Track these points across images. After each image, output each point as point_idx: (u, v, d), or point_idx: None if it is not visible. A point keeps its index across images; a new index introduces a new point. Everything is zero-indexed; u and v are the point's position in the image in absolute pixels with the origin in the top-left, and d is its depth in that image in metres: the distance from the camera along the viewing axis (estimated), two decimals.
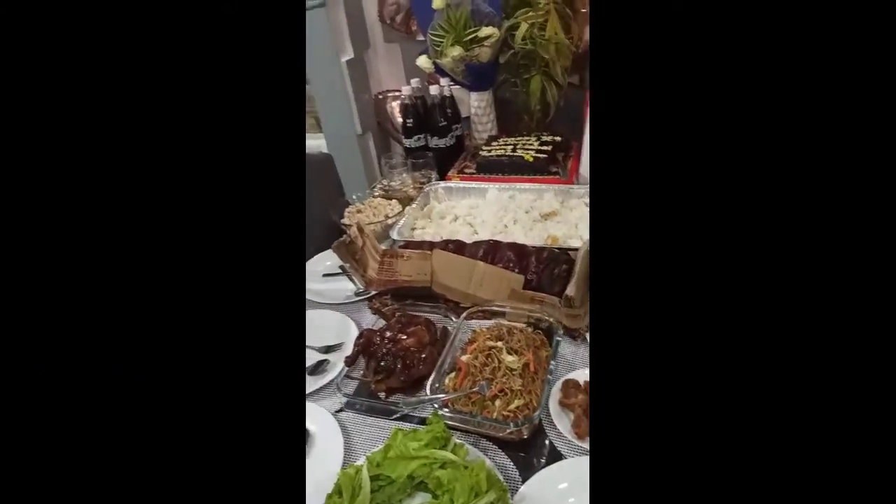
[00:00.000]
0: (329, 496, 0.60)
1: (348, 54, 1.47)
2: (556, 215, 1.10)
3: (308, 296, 1.02)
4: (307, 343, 0.89)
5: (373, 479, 0.61)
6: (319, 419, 0.73)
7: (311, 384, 0.80)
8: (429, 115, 1.35)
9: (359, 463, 0.64)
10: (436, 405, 0.70)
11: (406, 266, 0.93)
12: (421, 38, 1.44)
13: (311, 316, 0.98)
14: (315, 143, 1.67)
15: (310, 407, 0.76)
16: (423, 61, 1.31)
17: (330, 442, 0.70)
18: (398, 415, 0.74)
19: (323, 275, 1.09)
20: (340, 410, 0.76)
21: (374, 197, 1.25)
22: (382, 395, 0.77)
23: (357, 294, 1.00)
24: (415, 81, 1.35)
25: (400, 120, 1.55)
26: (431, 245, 0.98)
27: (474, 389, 0.71)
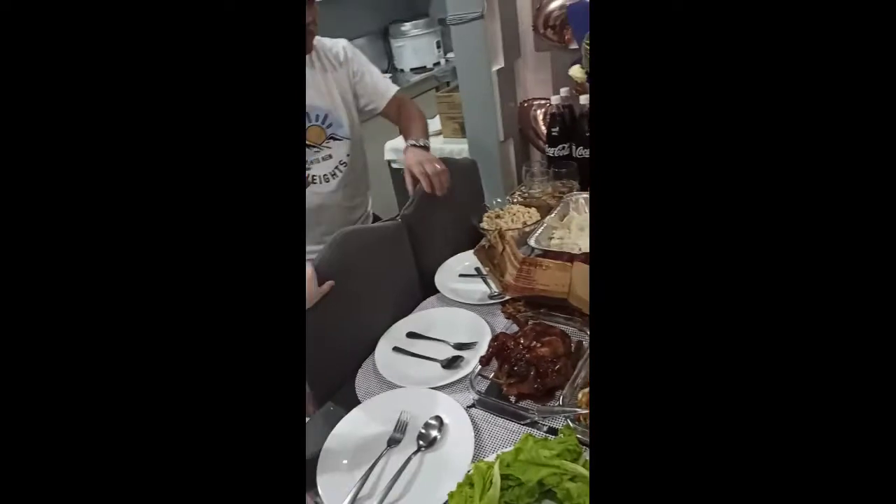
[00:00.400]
0: (460, 485, 0.64)
1: (499, 63, 1.51)
2: None
3: (446, 293, 1.08)
4: (442, 337, 0.95)
5: (502, 477, 0.63)
6: (452, 411, 0.78)
7: (446, 377, 0.85)
8: (576, 125, 1.33)
9: (488, 459, 0.67)
10: (568, 418, 0.70)
11: (544, 276, 0.94)
12: (574, 47, 1.43)
13: (446, 313, 1.04)
14: (458, 147, 1.75)
15: (444, 398, 0.81)
16: (575, 71, 1.30)
17: (461, 435, 0.74)
18: (528, 420, 0.75)
19: (459, 275, 1.14)
20: (472, 406, 0.80)
21: (512, 203, 1.28)
22: (513, 398, 0.79)
23: (491, 297, 1.04)
24: (564, 90, 1.35)
25: (544, 128, 1.56)
26: (571, 257, 0.97)
27: None
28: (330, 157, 1.18)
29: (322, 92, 1.16)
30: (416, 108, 1.31)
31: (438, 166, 1.10)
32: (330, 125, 1.17)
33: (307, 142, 1.15)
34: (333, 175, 1.19)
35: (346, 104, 1.19)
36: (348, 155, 1.20)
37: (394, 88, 1.28)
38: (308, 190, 1.15)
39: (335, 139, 1.18)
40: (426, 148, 1.17)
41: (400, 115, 1.28)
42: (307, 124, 1.14)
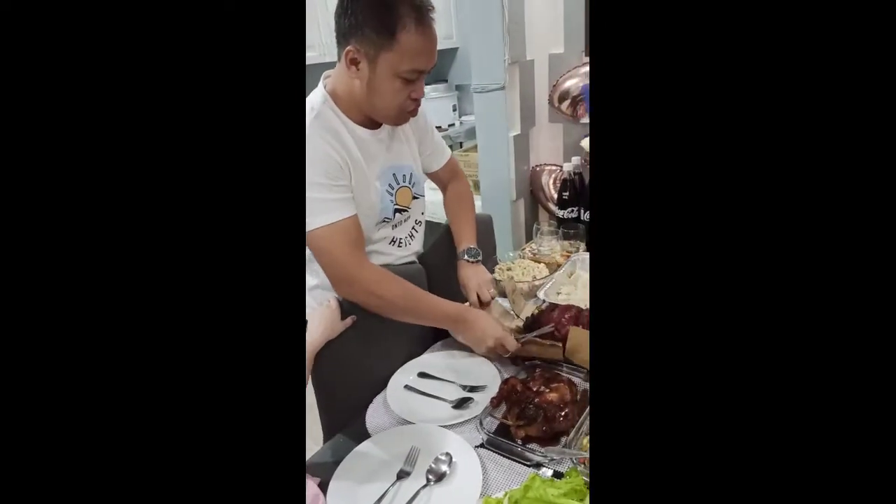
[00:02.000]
0: None
1: (516, 130, 1.64)
2: None
3: (457, 337, 1.13)
4: (452, 379, 0.99)
5: None
6: (461, 449, 0.81)
7: (456, 417, 0.89)
8: (585, 191, 1.44)
9: (496, 496, 0.69)
10: (574, 461, 0.74)
11: (538, 349, 0.99)
12: (584, 121, 1.57)
13: (458, 356, 1.07)
14: None
15: (453, 436, 0.84)
16: (586, 143, 1.42)
17: (469, 471, 0.77)
18: (535, 462, 0.79)
19: None
20: (480, 446, 0.83)
21: (522, 258, 1.35)
22: (519, 440, 0.83)
23: None
24: (575, 159, 1.46)
25: (553, 191, 1.66)
26: (578, 311, 1.03)
27: None
28: (409, 217, 1.07)
29: (405, 149, 1.03)
30: (466, 181, 1.22)
31: (491, 291, 1.10)
32: (414, 184, 1.05)
33: (398, 205, 1.01)
34: (411, 237, 1.08)
35: (418, 158, 1.09)
36: (422, 213, 1.10)
37: (448, 151, 1.18)
38: (388, 254, 1.05)
39: (416, 198, 1.06)
40: (479, 260, 1.13)
41: (448, 185, 1.19)
42: (397, 186, 1.01)
